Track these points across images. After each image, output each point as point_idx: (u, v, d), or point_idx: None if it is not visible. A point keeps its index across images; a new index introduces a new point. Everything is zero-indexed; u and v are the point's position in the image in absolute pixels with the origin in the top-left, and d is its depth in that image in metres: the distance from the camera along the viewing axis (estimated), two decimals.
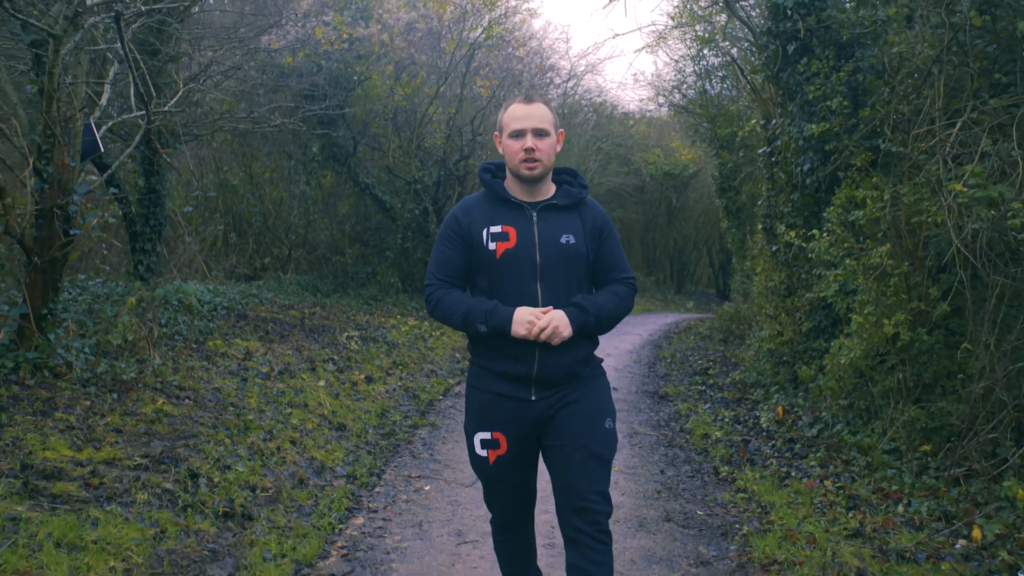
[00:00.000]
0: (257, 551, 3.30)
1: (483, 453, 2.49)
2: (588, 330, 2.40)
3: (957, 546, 3.65)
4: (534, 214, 2.44)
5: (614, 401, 2.57)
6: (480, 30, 12.43)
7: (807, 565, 3.40)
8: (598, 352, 2.58)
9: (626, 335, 11.97)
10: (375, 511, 3.96)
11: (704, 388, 7.72)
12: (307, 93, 10.04)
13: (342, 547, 3.48)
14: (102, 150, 4.88)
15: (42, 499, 3.28)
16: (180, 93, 5.87)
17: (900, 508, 4.23)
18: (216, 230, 11.08)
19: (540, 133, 2.40)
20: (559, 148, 2.48)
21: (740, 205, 12.56)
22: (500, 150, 2.49)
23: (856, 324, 5.49)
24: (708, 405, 6.90)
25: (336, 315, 9.54)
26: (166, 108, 5.64)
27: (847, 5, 7.12)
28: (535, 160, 2.39)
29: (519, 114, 2.41)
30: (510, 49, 13.88)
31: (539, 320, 2.30)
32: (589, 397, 2.45)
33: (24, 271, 4.64)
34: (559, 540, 3.59)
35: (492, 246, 2.40)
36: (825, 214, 6.04)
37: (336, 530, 3.67)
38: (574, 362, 2.42)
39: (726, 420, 6.24)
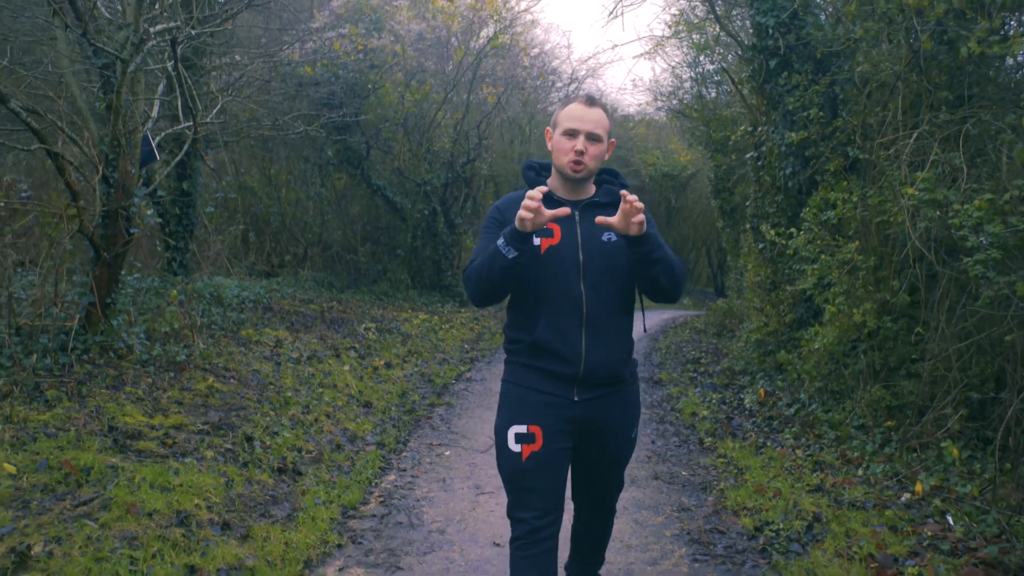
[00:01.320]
0: (309, 497, 3.93)
1: (516, 448, 2.39)
2: (657, 252, 2.30)
3: (902, 498, 4.28)
4: (576, 212, 2.42)
5: None
6: (486, 39, 13.07)
7: (772, 511, 4.03)
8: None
9: None
10: (404, 470, 4.60)
11: (695, 375, 8.34)
12: (325, 101, 10.67)
13: (379, 496, 4.12)
14: (157, 158, 5.51)
15: (130, 453, 3.92)
16: (219, 105, 6.50)
17: (860, 471, 4.84)
18: (237, 230, 11.72)
19: (593, 138, 2.37)
20: (607, 156, 2.46)
21: (734, 206, 13.16)
22: (549, 145, 2.47)
23: (829, 313, 6.12)
24: (698, 389, 7.53)
25: (352, 309, 10.18)
26: (208, 119, 6.27)
27: (825, 23, 7.75)
28: (581, 163, 2.37)
29: (577, 114, 2.37)
30: (517, 51, 14.50)
31: (536, 208, 2.15)
32: (625, 411, 2.50)
33: (92, 265, 5.28)
34: None
35: (537, 242, 2.36)
36: (802, 214, 6.67)
37: (373, 484, 4.31)
38: (618, 360, 2.42)
39: (713, 402, 6.86)
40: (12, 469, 3.40)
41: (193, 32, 5.57)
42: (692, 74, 14.64)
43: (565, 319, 2.36)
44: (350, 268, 13.24)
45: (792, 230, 6.66)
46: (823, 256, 6.31)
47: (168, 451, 4.05)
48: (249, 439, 4.49)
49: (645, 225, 2.21)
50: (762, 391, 6.85)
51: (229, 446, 4.33)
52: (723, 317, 12.38)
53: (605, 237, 2.41)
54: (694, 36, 13.00)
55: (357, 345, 7.86)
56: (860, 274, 5.91)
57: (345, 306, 10.32)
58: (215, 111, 6.41)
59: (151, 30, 5.02)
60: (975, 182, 4.98)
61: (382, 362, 7.41)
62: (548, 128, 2.50)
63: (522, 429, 2.39)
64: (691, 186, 24.25)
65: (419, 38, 12.35)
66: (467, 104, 13.38)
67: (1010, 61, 5.81)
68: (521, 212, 2.14)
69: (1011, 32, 5.00)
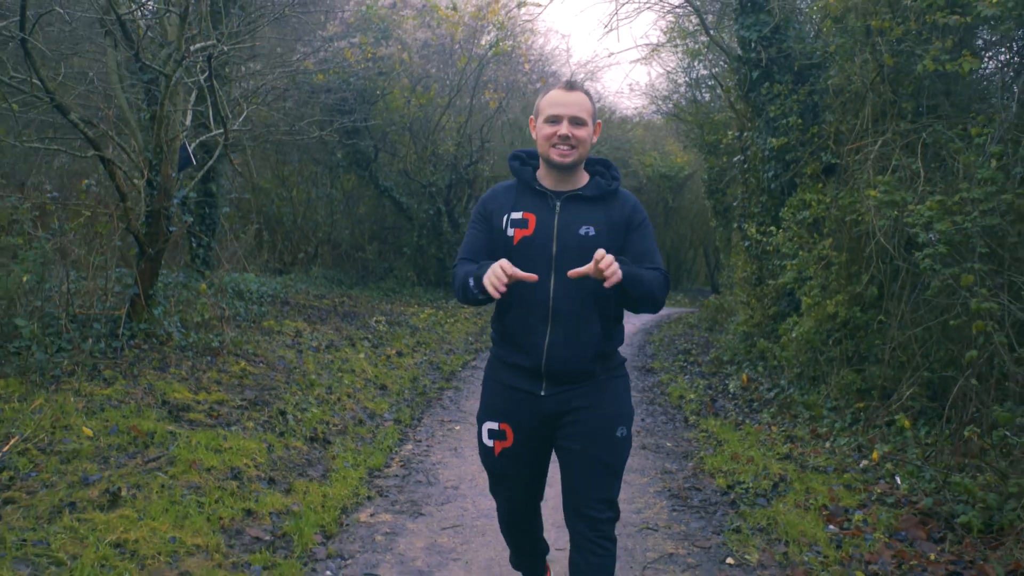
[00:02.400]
0: (339, 461, 4.50)
1: (489, 443, 2.46)
2: (636, 290, 2.24)
3: (861, 464, 4.85)
4: (558, 203, 2.36)
5: None
6: (488, 46, 13.65)
7: (743, 473, 4.60)
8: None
9: None
10: (420, 441, 5.17)
11: (685, 364, 8.92)
12: (336, 107, 11.25)
13: (400, 461, 4.69)
14: (194, 164, 6.08)
15: (183, 422, 4.49)
16: (245, 113, 7.08)
17: (827, 444, 5.41)
18: (251, 229, 12.29)
19: (577, 122, 2.31)
20: (595, 140, 2.38)
21: (726, 206, 13.73)
22: (534, 135, 2.40)
23: (806, 305, 6.69)
24: (687, 376, 8.10)
25: (362, 304, 10.76)
26: (236, 126, 6.84)
27: (809, 34, 8.32)
28: (570, 147, 2.31)
29: (558, 100, 2.32)
30: (518, 57, 15.06)
31: (501, 273, 2.11)
32: (603, 402, 2.37)
33: (137, 260, 5.85)
34: None
35: (510, 232, 2.34)
36: (782, 213, 7.24)
37: (393, 451, 4.88)
38: (585, 357, 2.33)
39: (700, 387, 7.44)
40: (89, 432, 3.97)
41: (225, 48, 6.14)
42: (686, 78, 15.25)
43: (532, 311, 2.33)
44: (358, 266, 13.82)
45: (772, 228, 7.23)
46: (801, 252, 6.88)
47: (215, 421, 4.62)
48: (283, 413, 5.06)
49: (620, 278, 2.12)
50: (745, 377, 7.42)
51: (266, 419, 4.90)
52: (715, 312, 12.95)
53: (583, 231, 2.33)
54: (688, 43, 13.59)
55: (370, 336, 8.43)
56: (834, 269, 6.47)
57: (356, 301, 10.90)
58: (241, 118, 6.97)
59: (191, 48, 5.58)
60: (931, 185, 5.55)
61: (394, 351, 7.99)
62: (531, 117, 2.44)
63: (493, 426, 2.45)
64: (688, 187, 24.79)
65: (424, 46, 12.93)
66: (470, 108, 13.96)
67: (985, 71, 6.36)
68: (486, 283, 2.13)
69: (963, 51, 5.55)
